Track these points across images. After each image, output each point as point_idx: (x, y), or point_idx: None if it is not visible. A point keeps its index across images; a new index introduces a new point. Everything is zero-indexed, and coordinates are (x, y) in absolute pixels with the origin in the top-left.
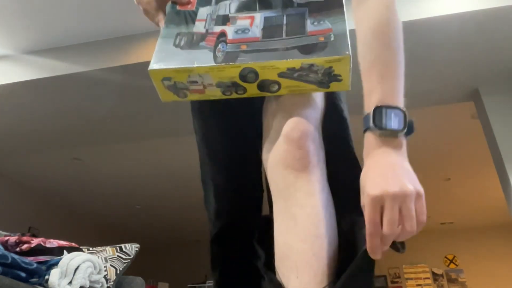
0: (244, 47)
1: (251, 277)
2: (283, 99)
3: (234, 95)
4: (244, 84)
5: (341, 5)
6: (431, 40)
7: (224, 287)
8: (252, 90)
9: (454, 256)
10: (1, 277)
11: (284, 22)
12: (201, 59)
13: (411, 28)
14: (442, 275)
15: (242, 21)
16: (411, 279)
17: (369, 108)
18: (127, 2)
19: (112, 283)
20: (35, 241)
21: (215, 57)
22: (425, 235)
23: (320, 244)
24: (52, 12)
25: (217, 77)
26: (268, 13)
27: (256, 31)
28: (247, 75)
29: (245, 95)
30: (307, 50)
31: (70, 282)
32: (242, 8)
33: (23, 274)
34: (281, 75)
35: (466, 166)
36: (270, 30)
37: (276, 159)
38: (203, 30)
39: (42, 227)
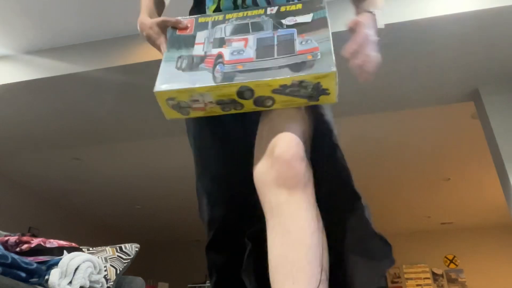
0: (240, 67)
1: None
2: (274, 115)
3: (233, 111)
4: (242, 101)
5: (326, 25)
6: (431, 40)
7: None
8: (249, 106)
9: (454, 256)
10: (1, 277)
11: (275, 42)
12: (202, 80)
13: (411, 28)
14: (442, 275)
15: (237, 43)
16: (411, 279)
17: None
18: (127, 2)
19: (112, 283)
20: (35, 241)
21: (214, 77)
22: (425, 235)
23: (313, 253)
24: (52, 12)
25: (216, 95)
26: (260, 35)
27: (250, 52)
28: (244, 92)
29: (242, 111)
30: (297, 68)
31: (70, 282)
32: (236, 31)
33: (23, 274)
34: (274, 91)
35: (466, 166)
36: (263, 50)
37: (269, 178)
38: (202, 53)
39: (42, 227)
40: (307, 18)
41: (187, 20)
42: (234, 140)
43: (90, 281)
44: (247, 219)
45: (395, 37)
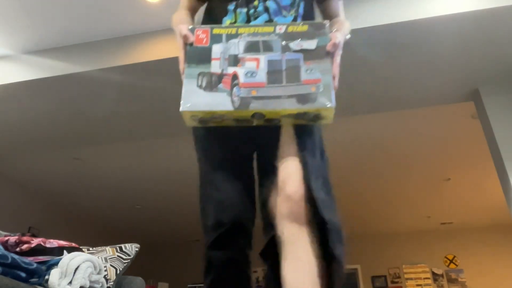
0: (254, 93)
1: (242, 283)
2: (285, 147)
3: (245, 124)
4: (254, 120)
5: (328, 55)
6: (431, 40)
7: None
8: (259, 123)
9: (454, 256)
10: (1, 277)
11: (284, 67)
12: (222, 103)
13: (411, 28)
14: (442, 275)
15: (250, 63)
16: (411, 279)
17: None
18: (127, 2)
19: (112, 283)
20: (35, 241)
21: (232, 101)
22: (425, 235)
23: (316, 277)
24: (52, 12)
25: (234, 116)
26: (270, 56)
27: (263, 75)
28: (257, 115)
29: (253, 125)
30: (302, 100)
31: (70, 282)
32: (249, 48)
33: (23, 274)
34: (282, 116)
35: (466, 166)
36: (273, 75)
37: (283, 212)
38: (219, 71)
39: (42, 227)
40: (312, 44)
41: (202, 29)
42: (240, 154)
43: (90, 281)
44: (250, 224)
45: (395, 37)
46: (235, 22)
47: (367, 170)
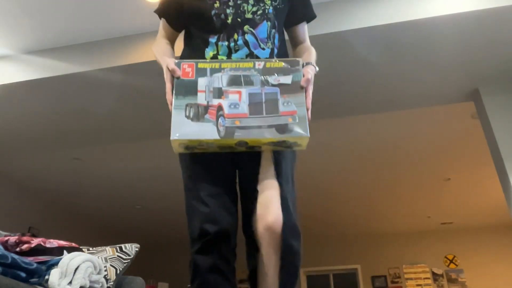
0: (237, 123)
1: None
2: (265, 178)
3: (227, 151)
4: (237, 147)
5: (302, 89)
6: (431, 40)
7: None
8: (241, 150)
9: (454, 256)
10: (1, 277)
11: (263, 100)
12: (208, 132)
13: (411, 28)
14: (442, 275)
15: (233, 95)
16: (411, 279)
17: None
18: (127, 2)
19: (112, 283)
20: (35, 241)
21: (218, 130)
22: (425, 235)
23: None
24: (52, 12)
25: (219, 144)
26: (251, 90)
27: (244, 107)
28: (240, 143)
29: (236, 151)
30: (281, 129)
31: (70, 282)
32: (231, 82)
33: (23, 274)
34: (263, 144)
35: (466, 166)
36: (254, 107)
37: (265, 238)
38: (205, 102)
39: (42, 227)
40: (288, 79)
41: (188, 63)
42: (223, 172)
43: (90, 281)
44: (232, 235)
45: (395, 37)
46: (217, 53)
47: (367, 170)
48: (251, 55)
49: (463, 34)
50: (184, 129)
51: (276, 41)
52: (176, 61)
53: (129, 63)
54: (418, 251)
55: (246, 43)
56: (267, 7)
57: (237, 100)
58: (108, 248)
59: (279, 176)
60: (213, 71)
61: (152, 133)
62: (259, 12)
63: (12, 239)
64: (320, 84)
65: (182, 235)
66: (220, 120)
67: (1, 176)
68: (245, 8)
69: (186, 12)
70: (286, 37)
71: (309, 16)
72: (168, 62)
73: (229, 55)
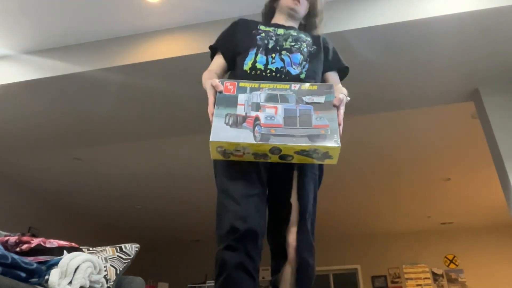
0: (273, 131)
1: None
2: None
3: (262, 160)
4: (270, 155)
5: (334, 108)
6: (431, 40)
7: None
8: (274, 159)
9: (454, 256)
10: (1, 277)
11: (298, 114)
12: (245, 137)
13: (411, 28)
14: (442, 275)
15: (269, 110)
16: (411, 279)
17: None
18: (127, 2)
19: (112, 283)
20: (35, 241)
21: (254, 136)
22: (425, 235)
23: None
24: (52, 12)
25: (254, 149)
26: (287, 106)
27: (280, 119)
28: (274, 150)
29: (268, 161)
30: (313, 139)
31: (70, 282)
32: (268, 99)
33: (23, 274)
34: (295, 152)
35: (466, 166)
36: (288, 119)
37: (288, 256)
38: (243, 113)
39: (42, 227)
40: (321, 99)
41: (230, 82)
42: (257, 175)
43: (90, 281)
44: (260, 235)
45: (395, 37)
46: (254, 62)
47: (367, 170)
48: (284, 70)
49: (463, 34)
50: (223, 133)
51: (305, 68)
52: (220, 80)
53: (129, 63)
54: (418, 251)
55: (282, 60)
56: (303, 47)
57: (273, 113)
58: (108, 248)
59: (300, 197)
60: (253, 89)
61: (152, 133)
62: (296, 46)
63: (12, 239)
64: None
65: (182, 235)
66: (256, 128)
67: (1, 176)
68: (284, 43)
69: (238, 46)
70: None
71: (340, 66)
72: (212, 79)
73: (265, 66)
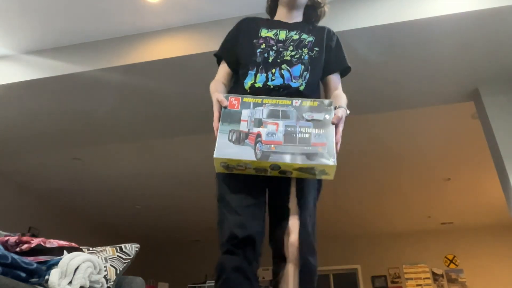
0: (273, 148)
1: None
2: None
3: (263, 174)
4: (270, 170)
5: (332, 125)
6: (431, 40)
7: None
8: (274, 173)
9: (454, 256)
10: (1, 277)
11: (297, 131)
12: (247, 154)
13: (411, 28)
14: (442, 275)
15: (271, 126)
16: (411, 279)
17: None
18: (127, 2)
19: (112, 283)
20: (35, 241)
21: (255, 153)
22: (425, 235)
23: None
24: (52, 12)
25: (255, 165)
26: (287, 122)
27: (280, 136)
28: (274, 166)
29: (268, 175)
30: (311, 157)
31: (70, 282)
32: (270, 115)
33: (23, 274)
34: (294, 169)
35: (466, 166)
36: (289, 136)
37: (287, 255)
38: (246, 130)
39: (42, 227)
40: (320, 116)
41: (235, 97)
42: (255, 187)
43: (90, 281)
44: (259, 243)
45: (395, 37)
46: (254, 82)
47: (367, 170)
48: (283, 85)
49: (463, 34)
50: (226, 150)
51: (306, 80)
52: (225, 95)
53: (129, 63)
54: (418, 251)
55: (282, 76)
56: (304, 54)
57: (274, 130)
58: (108, 248)
59: (299, 201)
60: (256, 105)
61: (152, 133)
62: (296, 56)
63: (12, 239)
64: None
65: (182, 235)
66: (258, 145)
67: (1, 176)
68: (285, 53)
69: (240, 53)
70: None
71: (342, 67)
72: (217, 94)
73: (265, 83)
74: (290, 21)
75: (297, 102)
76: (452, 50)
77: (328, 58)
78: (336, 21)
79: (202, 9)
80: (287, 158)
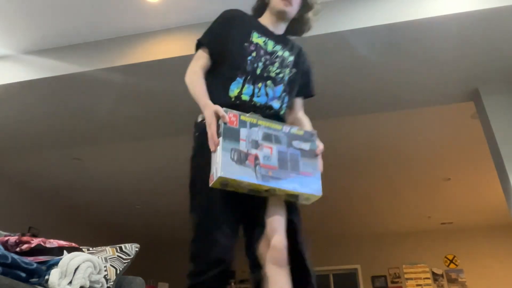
0: (270, 173)
1: None
2: (273, 213)
3: (254, 194)
4: (263, 192)
5: (317, 156)
6: (431, 40)
7: None
8: (263, 194)
9: (454, 256)
10: (1, 277)
11: (288, 158)
12: (249, 176)
13: (411, 28)
14: (442, 275)
15: (266, 149)
16: (411, 279)
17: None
18: (127, 2)
19: (112, 283)
20: (35, 241)
21: (256, 176)
22: (425, 235)
23: None
24: (52, 12)
25: (254, 187)
26: (280, 148)
27: (275, 161)
28: (269, 190)
29: (257, 194)
30: (301, 186)
31: (70, 282)
32: (265, 138)
33: (23, 274)
34: (286, 194)
35: (466, 166)
36: (282, 162)
37: (269, 259)
38: (245, 150)
39: (42, 227)
40: (306, 146)
41: (233, 114)
42: (239, 199)
43: (90, 281)
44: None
45: (395, 37)
46: (241, 92)
47: (367, 169)
48: (267, 104)
49: (463, 34)
50: (230, 169)
51: (285, 101)
52: (224, 108)
53: (129, 63)
54: (418, 251)
55: (266, 94)
56: (285, 75)
57: (269, 154)
58: (108, 248)
59: (292, 211)
60: (252, 125)
61: (152, 133)
62: (280, 75)
63: (12, 239)
64: (320, 84)
65: (182, 235)
66: (257, 168)
67: (1, 176)
68: (271, 69)
69: (228, 49)
70: None
71: (308, 94)
72: (217, 109)
73: (251, 98)
74: (276, 31)
75: (286, 128)
76: (452, 50)
77: (302, 82)
78: (336, 21)
79: (202, 9)
80: (283, 185)
